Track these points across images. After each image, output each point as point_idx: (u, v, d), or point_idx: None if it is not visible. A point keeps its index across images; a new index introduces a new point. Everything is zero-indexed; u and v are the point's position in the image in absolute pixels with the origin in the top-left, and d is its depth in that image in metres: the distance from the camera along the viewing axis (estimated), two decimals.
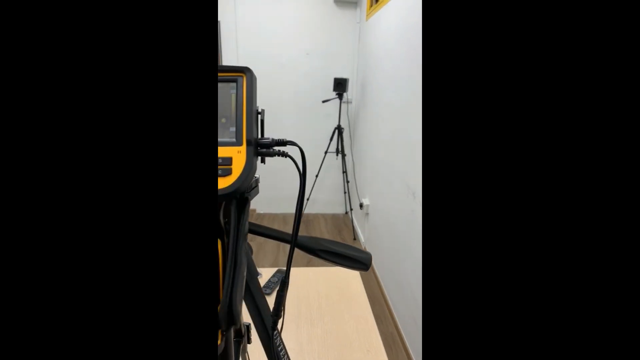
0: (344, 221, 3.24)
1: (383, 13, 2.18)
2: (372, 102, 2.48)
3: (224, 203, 0.31)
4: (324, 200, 3.34)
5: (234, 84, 0.30)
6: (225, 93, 0.30)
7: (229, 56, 2.96)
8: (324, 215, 3.37)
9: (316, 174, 3.07)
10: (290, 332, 0.90)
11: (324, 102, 2.90)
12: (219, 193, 0.28)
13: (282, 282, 0.37)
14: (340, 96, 2.84)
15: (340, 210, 3.41)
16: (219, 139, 0.29)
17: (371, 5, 2.57)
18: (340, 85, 2.78)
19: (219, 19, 2.86)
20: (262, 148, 0.31)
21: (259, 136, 0.32)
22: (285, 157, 0.33)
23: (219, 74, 0.30)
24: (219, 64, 2.96)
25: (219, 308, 0.28)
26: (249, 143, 0.29)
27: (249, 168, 0.29)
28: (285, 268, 1.20)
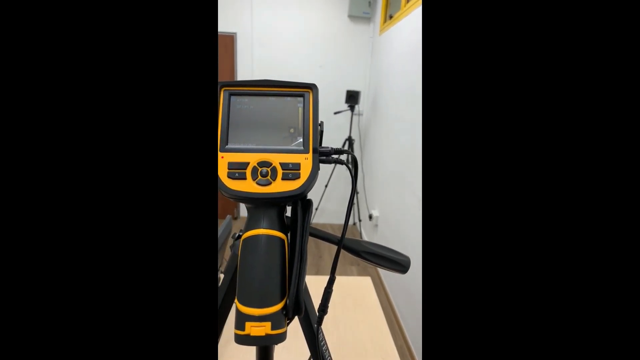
0: (351, 232, 3.26)
1: (397, 29, 2.23)
2: (384, 115, 2.52)
3: (291, 203, 0.35)
4: (332, 210, 3.37)
5: (301, 99, 0.34)
6: (294, 106, 0.34)
7: (244, 67, 3.04)
8: (331, 225, 3.39)
9: (325, 184, 3.11)
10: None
11: (335, 113, 2.95)
12: (290, 194, 0.31)
13: (329, 279, 0.39)
14: (352, 108, 2.89)
15: None
16: (289, 147, 0.33)
17: (385, 21, 2.64)
18: (352, 98, 2.84)
19: (235, 31, 2.95)
20: (321, 155, 0.35)
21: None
22: (342, 164, 0.36)
23: (288, 89, 0.34)
24: (235, 76, 3.03)
25: (286, 298, 0.31)
26: (314, 151, 0.33)
27: (315, 173, 0.32)
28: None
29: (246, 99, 0.34)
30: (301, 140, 0.33)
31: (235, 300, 0.31)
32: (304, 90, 0.34)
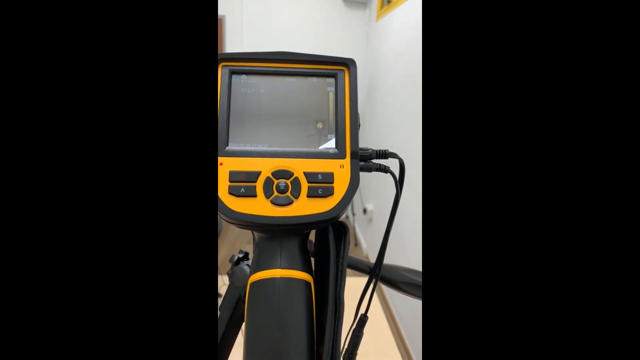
0: None
1: (396, 15, 2.13)
2: (381, 106, 2.44)
3: (315, 232, 0.25)
4: None
5: (332, 80, 0.24)
6: (321, 90, 0.24)
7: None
8: None
9: None
10: None
11: None
12: (319, 219, 0.22)
13: (360, 320, 0.30)
14: None
15: None
16: (317, 149, 0.23)
17: (382, 6, 2.52)
18: None
19: (223, 13, 2.79)
20: (360, 161, 0.25)
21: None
22: (386, 172, 0.27)
23: (315, 66, 0.24)
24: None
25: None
26: (353, 155, 0.23)
27: (354, 187, 0.23)
28: None
29: (254, 79, 0.24)
30: (334, 139, 0.24)
31: None
32: (337, 68, 0.24)
